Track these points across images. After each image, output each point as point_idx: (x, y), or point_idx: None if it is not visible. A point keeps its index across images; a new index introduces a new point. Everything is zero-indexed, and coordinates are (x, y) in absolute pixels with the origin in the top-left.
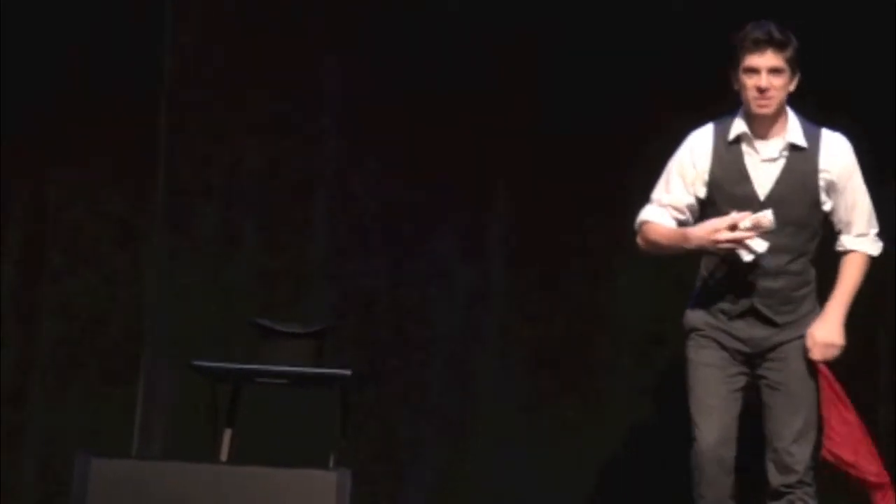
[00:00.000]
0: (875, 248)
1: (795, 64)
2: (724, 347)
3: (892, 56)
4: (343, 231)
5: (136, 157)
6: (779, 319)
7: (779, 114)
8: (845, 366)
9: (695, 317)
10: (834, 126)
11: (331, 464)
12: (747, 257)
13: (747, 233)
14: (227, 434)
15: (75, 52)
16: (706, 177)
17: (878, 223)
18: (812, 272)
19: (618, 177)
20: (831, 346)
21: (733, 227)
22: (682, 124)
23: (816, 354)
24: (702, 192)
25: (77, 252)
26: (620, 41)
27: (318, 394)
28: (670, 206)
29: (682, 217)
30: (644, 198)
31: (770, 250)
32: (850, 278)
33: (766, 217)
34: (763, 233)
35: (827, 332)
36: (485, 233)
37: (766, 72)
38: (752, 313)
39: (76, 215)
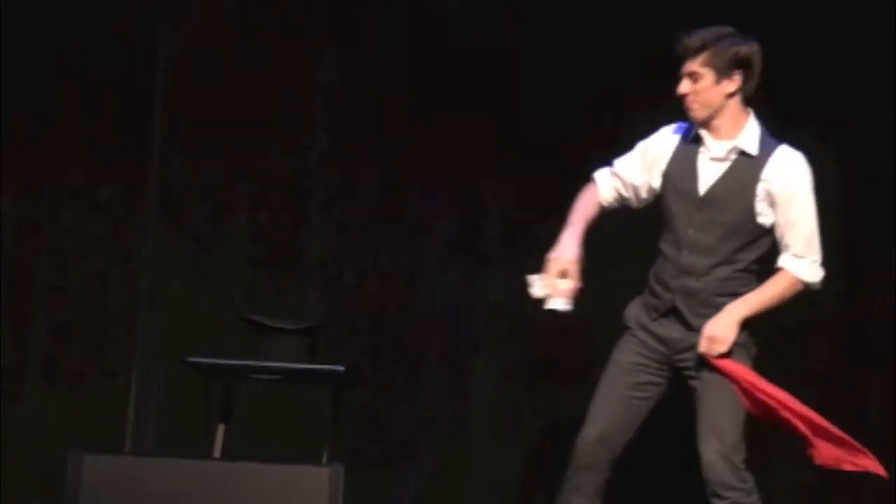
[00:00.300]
0: (809, 273)
1: (725, 66)
2: (646, 350)
3: (893, 56)
4: (337, 228)
5: (129, 156)
6: (693, 322)
7: (732, 117)
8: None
9: (631, 312)
10: (834, 125)
11: (324, 459)
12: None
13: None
14: (221, 430)
15: (71, 51)
16: (664, 166)
17: (820, 252)
18: (745, 285)
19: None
20: (716, 340)
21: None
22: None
23: (702, 346)
24: (657, 182)
25: (69, 250)
26: (621, 41)
27: (311, 390)
28: (619, 175)
29: (624, 193)
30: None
31: (695, 249)
32: (766, 289)
33: (534, 285)
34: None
35: (716, 326)
36: (480, 231)
37: (685, 77)
38: (673, 312)
39: (68, 213)
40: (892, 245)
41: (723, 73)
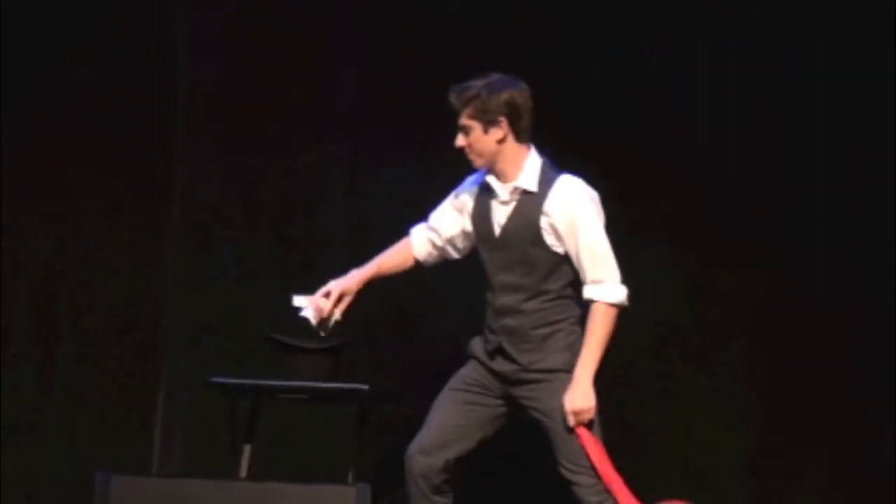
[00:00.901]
0: (613, 294)
1: (490, 113)
2: (483, 376)
3: (893, 56)
4: (360, 246)
5: (152, 177)
6: (521, 358)
7: (511, 159)
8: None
9: (473, 345)
10: (833, 125)
11: (350, 479)
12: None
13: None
14: (247, 450)
15: (92, 67)
16: (469, 210)
17: (617, 270)
18: (561, 312)
19: (621, 178)
20: (580, 412)
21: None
22: (676, 128)
23: (571, 422)
24: (469, 226)
25: (93, 272)
26: (621, 42)
27: (336, 409)
28: (432, 227)
29: (438, 243)
30: (643, 198)
31: (504, 289)
32: (592, 334)
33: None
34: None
35: (573, 399)
36: None
37: (459, 131)
38: (500, 351)
39: (92, 235)
40: (892, 246)
41: (489, 122)
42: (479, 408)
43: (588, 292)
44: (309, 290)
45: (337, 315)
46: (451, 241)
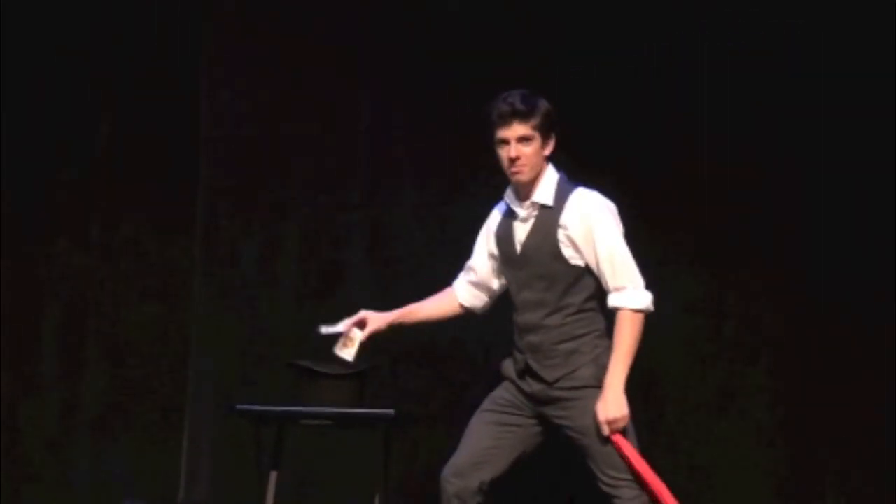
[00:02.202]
0: (636, 301)
1: (546, 128)
2: (516, 396)
3: (893, 56)
4: (381, 273)
5: (176, 207)
6: (546, 375)
7: (536, 177)
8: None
9: (505, 366)
10: (833, 124)
11: (376, 503)
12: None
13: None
14: (272, 477)
15: (119, 99)
16: (493, 237)
17: (639, 275)
18: (584, 326)
19: (627, 181)
20: (614, 421)
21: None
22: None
23: (606, 432)
24: (496, 251)
25: (120, 301)
26: (621, 42)
27: (361, 434)
28: (470, 268)
29: (474, 278)
30: (651, 203)
31: (527, 306)
32: (619, 343)
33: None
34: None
35: (605, 409)
36: None
37: (514, 141)
38: (528, 370)
39: (119, 263)
40: (892, 247)
41: (547, 135)
42: (513, 428)
43: (612, 301)
44: (331, 318)
45: (363, 338)
46: (489, 276)
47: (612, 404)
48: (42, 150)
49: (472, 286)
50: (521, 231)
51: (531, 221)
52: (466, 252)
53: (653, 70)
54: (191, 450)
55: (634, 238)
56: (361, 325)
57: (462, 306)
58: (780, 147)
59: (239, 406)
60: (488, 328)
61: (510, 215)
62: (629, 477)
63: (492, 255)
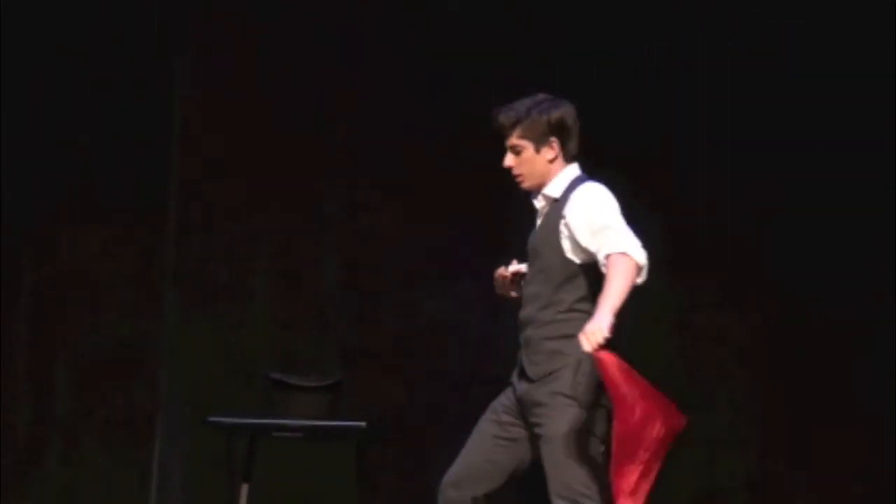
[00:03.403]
0: (625, 246)
1: (542, 134)
2: (512, 403)
3: (893, 56)
4: (356, 283)
5: (147, 220)
6: (530, 371)
7: (544, 181)
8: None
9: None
10: (833, 125)
11: None
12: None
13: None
14: (244, 489)
15: (91, 109)
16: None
17: (639, 244)
18: (573, 327)
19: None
20: (591, 332)
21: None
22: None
23: (585, 347)
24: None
25: (91, 312)
26: (621, 42)
27: (334, 447)
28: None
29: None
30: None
31: (528, 300)
32: (611, 282)
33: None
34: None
35: (589, 323)
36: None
37: (508, 152)
38: (521, 368)
39: (89, 276)
40: (891, 247)
41: (541, 142)
42: (506, 443)
43: (608, 251)
44: (309, 332)
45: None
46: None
47: (595, 322)
48: (19, 158)
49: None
50: (537, 225)
51: (543, 215)
52: (451, 263)
53: (653, 70)
54: (162, 462)
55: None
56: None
57: None
58: (780, 147)
59: (210, 418)
60: (468, 342)
61: (537, 213)
62: (589, 493)
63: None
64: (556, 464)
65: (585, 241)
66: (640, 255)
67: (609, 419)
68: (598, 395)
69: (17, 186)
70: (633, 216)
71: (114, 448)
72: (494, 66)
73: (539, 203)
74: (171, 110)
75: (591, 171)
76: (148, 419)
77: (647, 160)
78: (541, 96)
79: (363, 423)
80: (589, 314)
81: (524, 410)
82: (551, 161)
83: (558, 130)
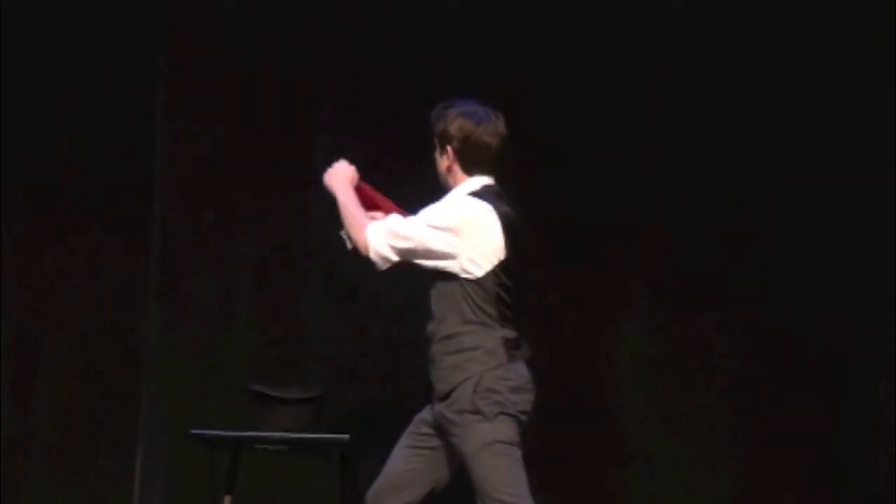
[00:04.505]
0: (373, 238)
1: (440, 141)
2: (432, 417)
3: (893, 56)
4: (338, 295)
5: (131, 233)
6: (436, 387)
7: (449, 184)
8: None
9: None
10: (834, 125)
11: None
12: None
13: None
14: (227, 501)
15: (73, 125)
16: None
17: (390, 250)
18: (469, 341)
19: (616, 183)
20: (328, 175)
21: None
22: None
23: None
24: None
25: (72, 324)
26: (618, 44)
27: (318, 459)
28: None
29: None
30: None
31: (430, 316)
32: (352, 205)
33: None
34: None
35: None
36: None
37: None
38: (432, 385)
39: (71, 288)
40: (891, 248)
41: (440, 147)
42: (426, 451)
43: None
44: (291, 345)
45: None
46: None
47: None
48: None
49: None
50: None
51: None
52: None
53: (649, 70)
54: (145, 475)
55: (636, 237)
56: None
57: None
58: (780, 147)
59: (193, 431)
60: None
61: None
62: (515, 496)
63: None
64: (481, 479)
65: None
66: (373, 250)
67: (517, 424)
68: (502, 405)
69: None
70: (625, 217)
71: (96, 461)
72: (493, 68)
73: None
74: (154, 126)
75: (592, 173)
76: (130, 432)
77: (647, 160)
78: (470, 102)
79: (346, 436)
80: (486, 325)
81: (441, 428)
82: (448, 169)
83: (452, 141)
